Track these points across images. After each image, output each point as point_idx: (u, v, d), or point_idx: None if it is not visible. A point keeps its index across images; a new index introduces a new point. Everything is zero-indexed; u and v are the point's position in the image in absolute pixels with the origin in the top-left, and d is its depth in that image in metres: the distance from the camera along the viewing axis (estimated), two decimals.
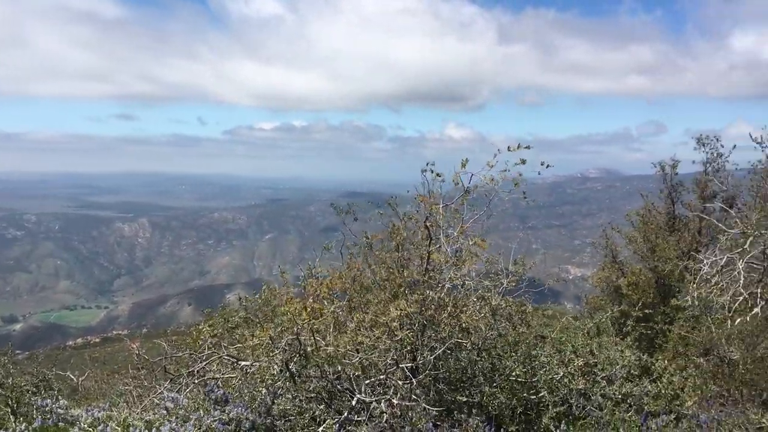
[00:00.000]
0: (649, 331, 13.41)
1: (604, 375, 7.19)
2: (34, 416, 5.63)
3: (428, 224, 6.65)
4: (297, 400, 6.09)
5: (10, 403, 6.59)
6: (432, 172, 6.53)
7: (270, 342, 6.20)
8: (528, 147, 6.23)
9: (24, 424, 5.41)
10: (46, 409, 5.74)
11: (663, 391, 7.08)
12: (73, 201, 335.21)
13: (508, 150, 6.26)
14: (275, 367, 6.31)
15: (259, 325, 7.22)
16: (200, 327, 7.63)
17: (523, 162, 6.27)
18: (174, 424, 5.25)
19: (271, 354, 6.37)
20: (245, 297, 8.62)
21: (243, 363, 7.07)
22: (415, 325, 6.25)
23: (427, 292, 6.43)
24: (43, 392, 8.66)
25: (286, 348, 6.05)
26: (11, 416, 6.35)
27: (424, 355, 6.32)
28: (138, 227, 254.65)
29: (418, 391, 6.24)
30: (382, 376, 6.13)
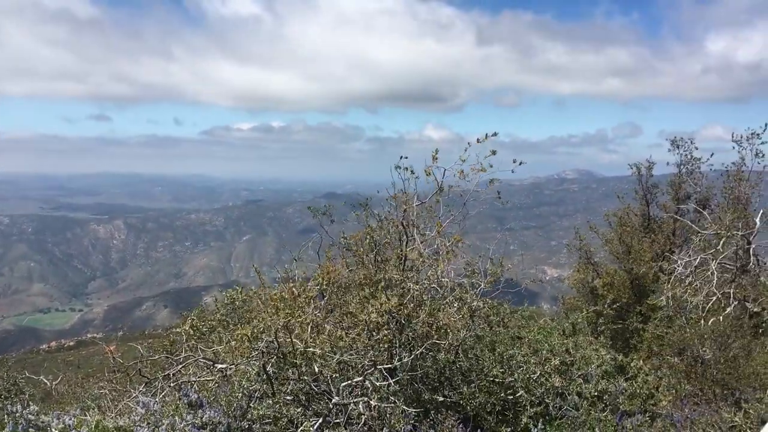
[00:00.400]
0: (620, 325, 13.54)
1: (580, 374, 7.24)
2: (5, 422, 5.52)
3: (404, 223, 6.65)
4: (277, 405, 6.04)
5: None
6: (407, 169, 6.52)
7: (248, 343, 6.14)
8: (495, 134, 6.23)
9: None
10: (17, 414, 5.63)
11: (638, 391, 7.15)
12: (46, 202, 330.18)
13: (477, 142, 6.28)
14: (252, 369, 6.25)
15: (237, 326, 7.16)
16: (178, 328, 7.56)
17: (494, 153, 6.28)
18: (146, 428, 5.18)
19: (248, 356, 6.31)
20: (224, 297, 8.56)
21: (219, 366, 7.00)
22: (393, 323, 6.24)
23: (409, 285, 6.42)
24: (13, 397, 8.51)
25: (264, 350, 6.00)
26: None
27: (402, 355, 6.30)
28: (113, 229, 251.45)
29: (396, 388, 6.22)
30: (360, 378, 6.10)
